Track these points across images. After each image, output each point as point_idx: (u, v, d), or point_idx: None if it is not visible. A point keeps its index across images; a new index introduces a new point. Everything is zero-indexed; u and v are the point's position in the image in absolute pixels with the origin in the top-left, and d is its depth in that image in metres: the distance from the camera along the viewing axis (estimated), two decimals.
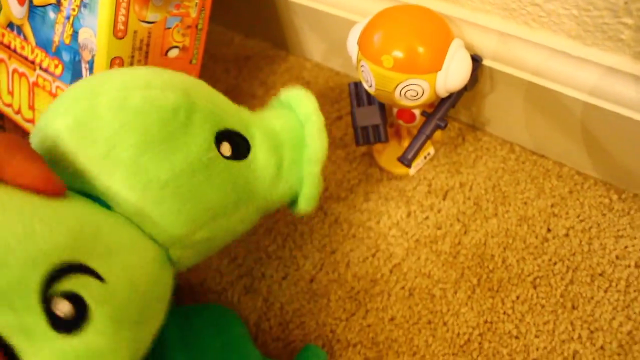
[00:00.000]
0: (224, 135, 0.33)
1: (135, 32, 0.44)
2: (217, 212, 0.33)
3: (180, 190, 0.31)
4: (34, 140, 0.31)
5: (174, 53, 0.48)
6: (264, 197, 0.35)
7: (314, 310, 0.45)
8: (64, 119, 0.29)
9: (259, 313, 0.45)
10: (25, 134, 0.54)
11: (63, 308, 0.24)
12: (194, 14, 0.47)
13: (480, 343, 0.41)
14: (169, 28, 0.46)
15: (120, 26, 0.44)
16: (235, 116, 0.34)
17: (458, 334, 0.42)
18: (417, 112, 0.46)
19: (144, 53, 0.46)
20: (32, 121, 0.52)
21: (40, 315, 0.23)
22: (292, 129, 0.36)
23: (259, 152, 0.34)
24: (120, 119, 0.29)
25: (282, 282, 0.46)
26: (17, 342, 0.22)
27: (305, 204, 0.37)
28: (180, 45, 0.48)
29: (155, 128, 0.30)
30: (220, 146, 0.32)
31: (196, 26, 0.48)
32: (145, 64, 0.47)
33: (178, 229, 0.31)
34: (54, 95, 0.49)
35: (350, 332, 0.43)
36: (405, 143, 0.49)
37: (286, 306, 0.45)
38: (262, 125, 0.35)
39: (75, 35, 0.46)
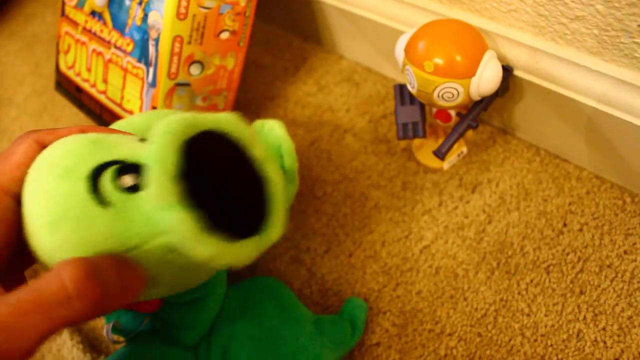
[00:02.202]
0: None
1: (194, 15, 0.52)
2: None
3: None
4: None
5: (225, 35, 0.56)
6: None
7: (350, 280, 0.51)
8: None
9: (302, 281, 0.52)
10: (97, 103, 0.63)
11: None
12: (243, 3, 0.55)
13: (495, 317, 0.47)
14: (222, 14, 0.54)
15: (182, 10, 0.52)
16: None
17: (476, 308, 0.48)
18: (453, 113, 0.52)
19: (200, 34, 0.54)
20: (104, 92, 0.62)
21: None
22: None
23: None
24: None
25: (324, 255, 0.53)
26: None
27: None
28: (230, 29, 0.56)
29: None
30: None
31: (244, 13, 0.56)
32: (201, 43, 0.55)
33: None
34: (125, 69, 0.58)
35: (382, 301, 0.49)
36: (441, 141, 0.55)
37: (326, 276, 0.52)
38: None
39: (145, 17, 0.54)
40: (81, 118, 0.74)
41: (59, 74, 0.70)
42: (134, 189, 0.28)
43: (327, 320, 0.45)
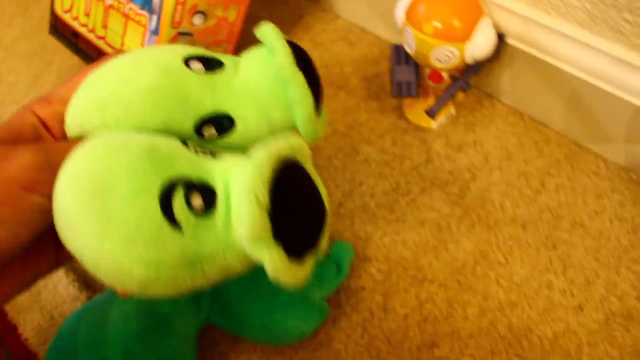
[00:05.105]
0: (207, 122, 0.33)
1: None
2: None
3: None
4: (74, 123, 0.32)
5: None
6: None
7: (340, 229, 0.54)
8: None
9: None
10: (95, 49, 0.64)
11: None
12: None
13: (473, 267, 0.50)
14: None
15: None
16: (216, 95, 0.34)
17: (457, 258, 0.51)
18: (445, 75, 0.54)
19: None
20: (103, 38, 0.63)
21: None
22: (271, 89, 0.34)
23: (247, 121, 0.34)
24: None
25: None
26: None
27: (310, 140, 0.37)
28: None
29: None
30: (204, 129, 0.33)
31: None
32: None
33: None
34: (126, 15, 0.59)
35: (369, 249, 0.53)
36: (431, 102, 0.57)
37: None
38: (240, 97, 0.34)
39: None
40: (75, 62, 0.74)
41: (54, 17, 0.70)
42: (202, 209, 0.28)
43: None
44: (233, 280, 0.43)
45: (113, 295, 0.45)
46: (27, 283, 0.32)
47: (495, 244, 0.51)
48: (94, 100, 0.31)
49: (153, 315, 0.43)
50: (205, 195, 0.29)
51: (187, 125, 0.32)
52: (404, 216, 0.54)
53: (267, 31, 0.34)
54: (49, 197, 0.28)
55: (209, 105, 0.32)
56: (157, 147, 0.29)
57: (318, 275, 0.48)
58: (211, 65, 0.33)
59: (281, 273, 0.28)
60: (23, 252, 0.29)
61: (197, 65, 0.32)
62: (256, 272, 0.44)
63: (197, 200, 0.28)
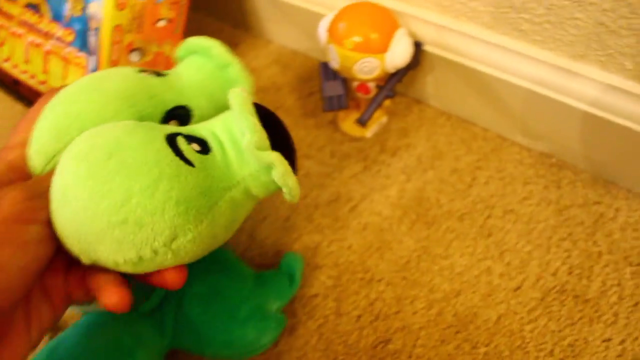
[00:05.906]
0: (171, 116, 0.37)
1: (133, 5, 0.57)
2: None
3: None
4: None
5: (162, 24, 0.60)
6: None
7: (288, 242, 0.56)
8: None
9: (244, 246, 0.57)
10: (37, 95, 0.65)
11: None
12: None
13: (417, 262, 0.53)
14: (159, 3, 0.59)
15: (122, 0, 0.56)
16: (173, 91, 0.38)
17: (401, 256, 0.54)
18: (372, 85, 0.58)
19: (138, 23, 0.58)
20: (45, 82, 0.64)
21: None
22: (213, 76, 0.40)
23: (202, 108, 0.38)
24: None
25: (263, 222, 0.58)
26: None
27: None
28: (167, 18, 0.60)
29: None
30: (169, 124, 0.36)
31: (180, 2, 0.61)
32: (139, 32, 0.59)
33: None
34: (65, 59, 0.61)
35: (317, 257, 0.55)
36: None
37: (265, 240, 0.57)
38: (191, 89, 0.39)
39: (85, 8, 0.58)
40: (17, 110, 0.75)
41: None
42: (201, 152, 0.32)
43: (267, 274, 0.51)
44: (193, 301, 0.45)
45: (77, 332, 0.46)
46: (34, 341, 0.32)
47: (435, 239, 0.54)
48: (62, 121, 0.33)
49: (118, 348, 0.44)
50: (200, 143, 0.32)
51: (156, 120, 0.35)
52: (348, 222, 0.57)
53: (194, 40, 0.40)
54: (43, 223, 0.29)
55: (171, 99, 0.36)
56: (143, 122, 0.32)
57: (272, 288, 0.50)
58: (158, 73, 0.37)
59: (288, 176, 0.32)
60: (31, 287, 0.30)
61: (148, 73, 0.37)
62: (215, 291, 0.46)
63: (195, 147, 0.32)
